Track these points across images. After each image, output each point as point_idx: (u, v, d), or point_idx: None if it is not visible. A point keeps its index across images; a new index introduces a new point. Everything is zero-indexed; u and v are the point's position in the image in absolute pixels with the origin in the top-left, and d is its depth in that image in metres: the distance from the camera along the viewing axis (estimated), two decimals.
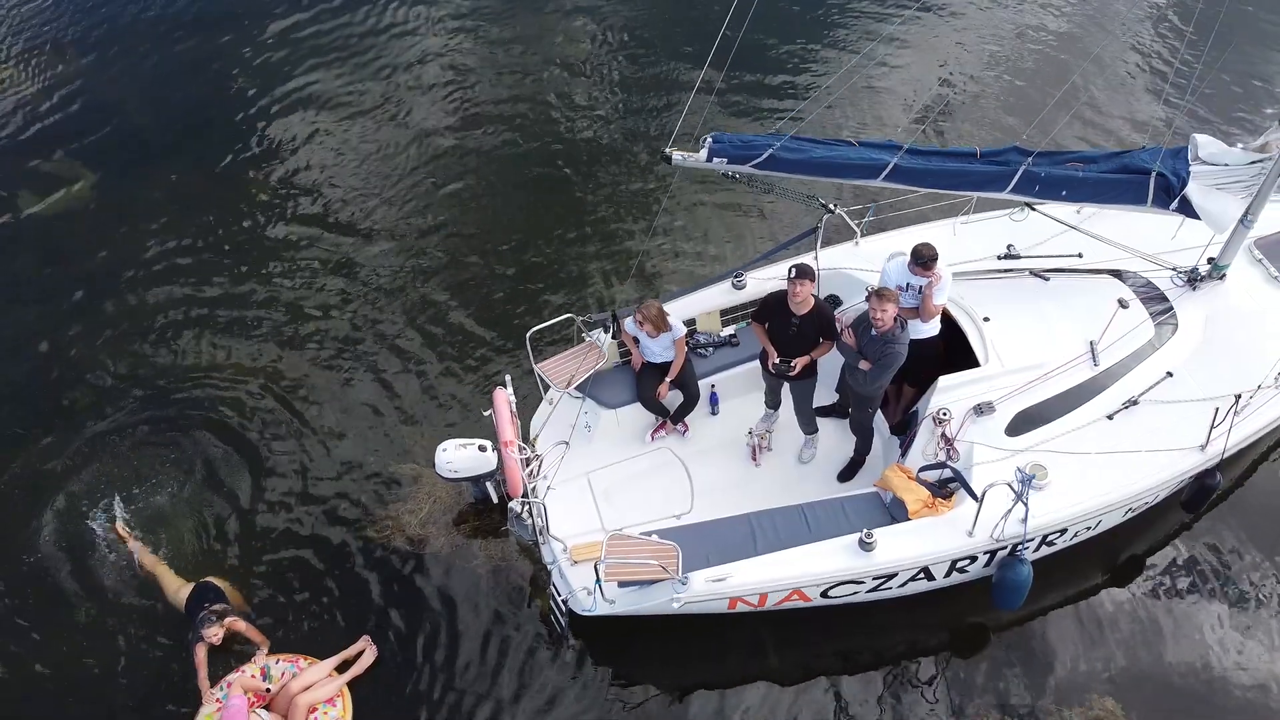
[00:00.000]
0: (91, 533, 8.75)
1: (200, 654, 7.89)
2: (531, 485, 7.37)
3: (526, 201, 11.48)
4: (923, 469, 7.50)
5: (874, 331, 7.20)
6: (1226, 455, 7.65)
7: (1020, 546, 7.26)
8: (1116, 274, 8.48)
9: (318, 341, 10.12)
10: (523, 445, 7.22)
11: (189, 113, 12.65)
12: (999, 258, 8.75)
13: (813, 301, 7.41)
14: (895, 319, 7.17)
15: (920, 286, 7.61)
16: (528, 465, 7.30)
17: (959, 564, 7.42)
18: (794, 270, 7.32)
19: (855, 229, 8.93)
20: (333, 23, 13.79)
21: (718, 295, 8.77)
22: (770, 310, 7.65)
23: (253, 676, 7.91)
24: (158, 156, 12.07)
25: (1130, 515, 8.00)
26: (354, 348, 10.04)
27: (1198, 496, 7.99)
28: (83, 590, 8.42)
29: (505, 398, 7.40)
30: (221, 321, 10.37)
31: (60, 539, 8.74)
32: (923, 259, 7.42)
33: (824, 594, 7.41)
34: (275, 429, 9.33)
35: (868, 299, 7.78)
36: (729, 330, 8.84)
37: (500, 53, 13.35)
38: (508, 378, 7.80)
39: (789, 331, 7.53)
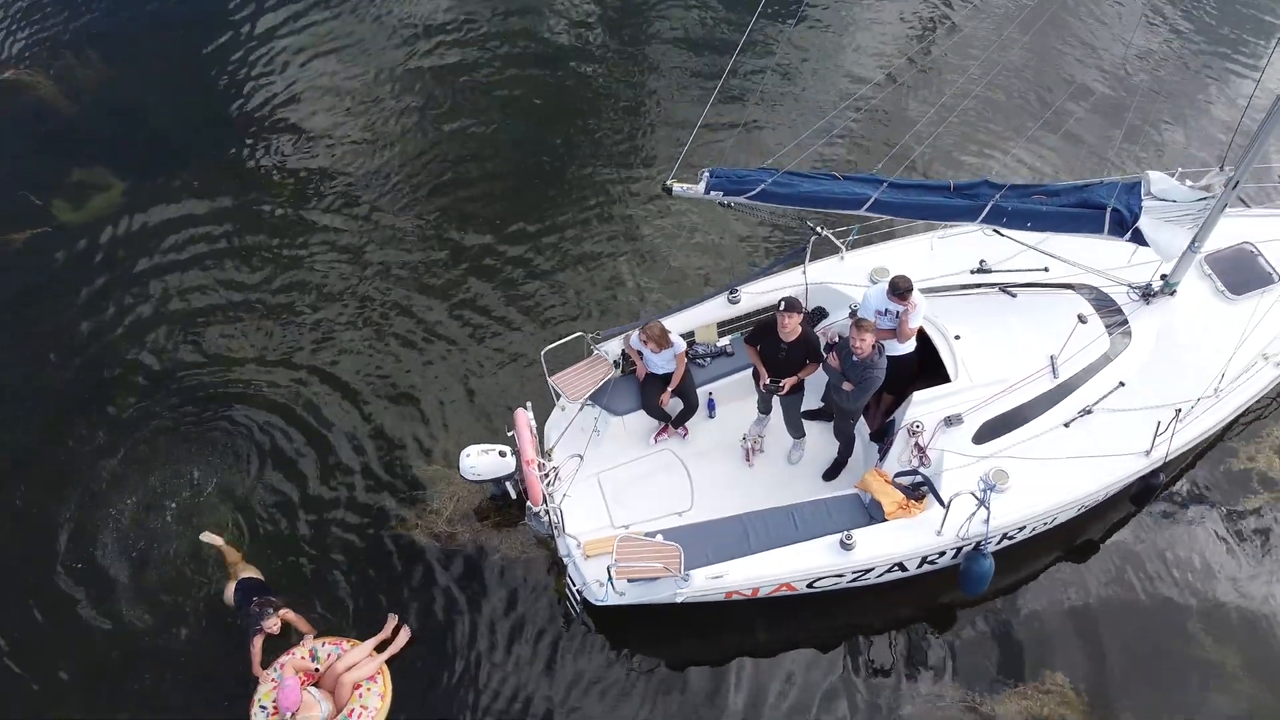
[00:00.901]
0: (144, 527, 9.67)
1: (257, 642, 8.79)
2: (549, 493, 8.30)
3: (544, 211, 12.12)
4: (898, 474, 8.40)
5: (855, 357, 8.04)
6: (1168, 459, 8.60)
7: (983, 543, 8.22)
8: (1077, 288, 9.30)
9: (345, 350, 10.90)
10: (542, 462, 8.12)
11: (205, 112, 13.20)
12: (972, 272, 9.54)
13: (800, 330, 8.23)
14: (874, 346, 8.00)
15: (897, 312, 8.43)
16: (546, 478, 8.22)
17: (929, 558, 8.39)
18: (783, 304, 8.14)
19: (840, 246, 9.71)
20: (344, 17, 14.31)
21: (714, 309, 9.57)
22: (761, 335, 8.48)
23: (302, 658, 8.87)
24: (180, 157, 12.65)
25: (1083, 511, 8.95)
26: (380, 357, 10.83)
27: (1143, 494, 8.96)
28: (138, 582, 9.37)
29: (526, 420, 8.28)
30: (252, 323, 11.13)
31: (111, 530, 9.64)
32: (899, 290, 8.24)
33: (809, 585, 8.38)
34: (308, 433, 10.19)
35: (850, 315, 8.67)
36: (724, 341, 9.66)
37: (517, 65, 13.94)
38: (529, 403, 8.66)
39: (778, 355, 8.38)
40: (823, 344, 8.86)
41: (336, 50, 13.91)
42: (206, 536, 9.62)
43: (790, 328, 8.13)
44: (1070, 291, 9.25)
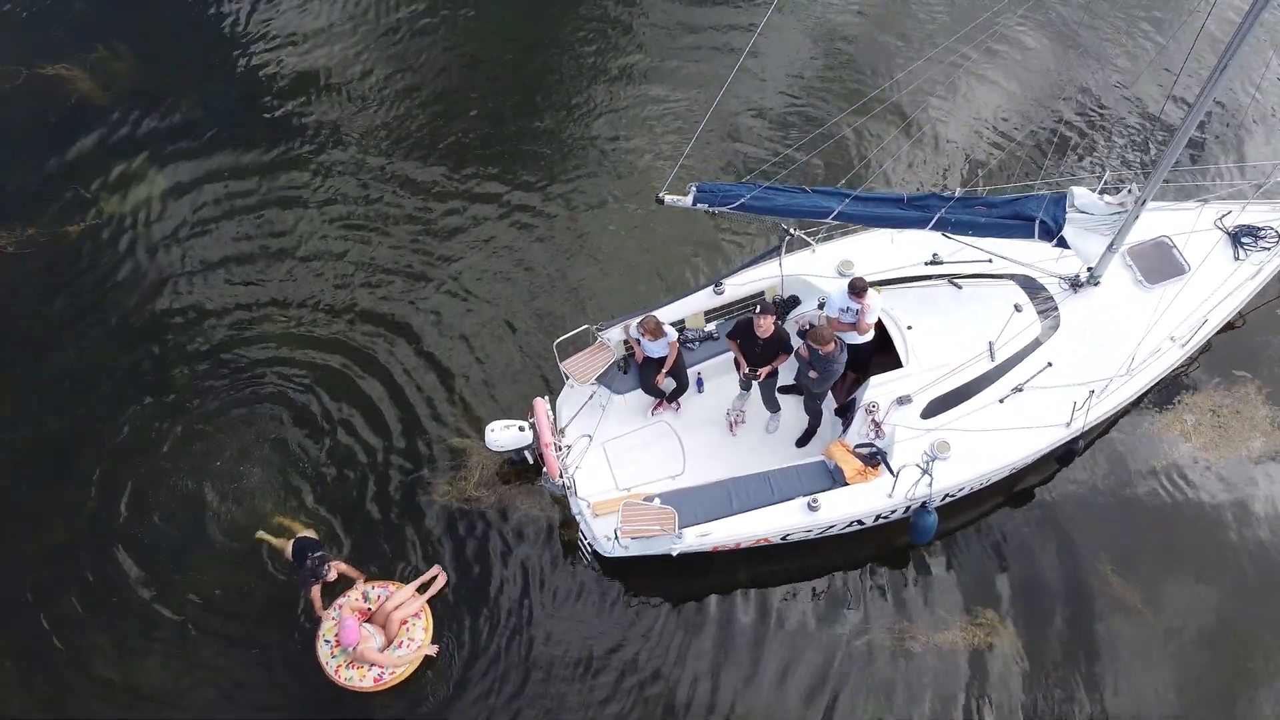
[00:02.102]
0: (212, 492, 11.18)
1: (316, 590, 10.42)
2: (564, 466, 9.84)
3: (565, 211, 13.34)
4: (858, 445, 9.94)
5: (820, 351, 9.47)
6: (1086, 429, 10.14)
7: (927, 502, 9.80)
8: (1016, 279, 10.69)
9: (379, 334, 12.29)
10: (558, 443, 9.63)
11: (232, 101, 14.32)
12: (926, 263, 10.92)
13: (773, 329, 9.67)
14: (835, 345, 9.44)
15: (856, 309, 9.85)
16: (561, 454, 9.74)
17: (882, 515, 9.99)
18: (758, 307, 9.57)
19: (810, 242, 11.05)
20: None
21: (702, 299, 10.98)
22: (741, 331, 9.94)
23: (357, 600, 10.49)
24: (210, 143, 13.85)
25: (1014, 472, 10.52)
26: (411, 341, 12.20)
27: (1066, 456, 10.60)
28: (208, 543, 10.95)
29: (544, 408, 9.79)
30: (295, 303, 12.50)
31: (180, 495, 11.19)
32: (857, 289, 9.69)
33: (783, 538, 9.99)
34: (352, 409, 11.67)
35: (819, 306, 10.12)
36: (711, 326, 11.09)
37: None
38: (544, 396, 10.21)
39: (755, 349, 9.86)
40: (796, 329, 10.33)
41: (357, 31, 14.95)
42: (261, 535, 11.09)
43: (765, 327, 9.60)
44: (1009, 282, 10.66)
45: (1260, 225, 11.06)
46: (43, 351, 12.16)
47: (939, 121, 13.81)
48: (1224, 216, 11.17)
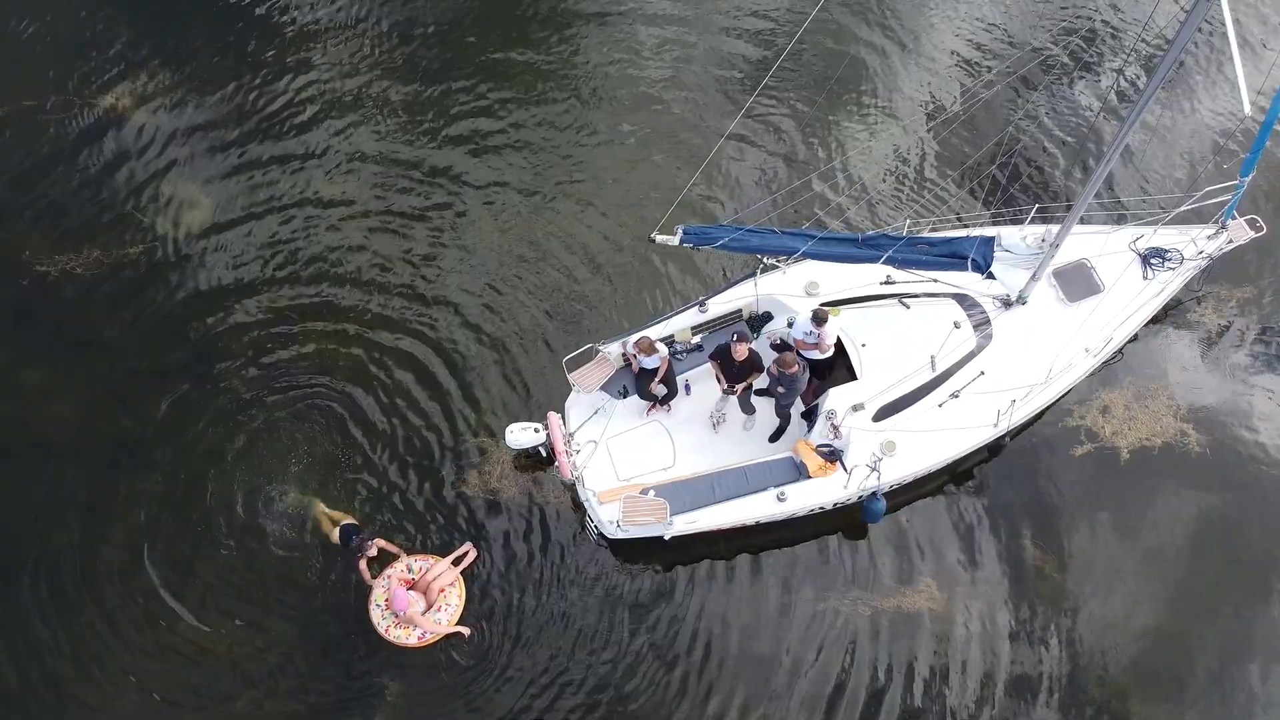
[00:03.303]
0: (267, 493, 13.13)
1: (363, 564, 12.48)
2: (574, 465, 11.77)
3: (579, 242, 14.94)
4: (819, 445, 11.86)
5: (786, 373, 11.34)
6: (1011, 429, 12.08)
7: (877, 492, 11.77)
8: (958, 298, 12.48)
9: (405, 354, 14.05)
10: (569, 451, 11.54)
11: (270, 120, 15.88)
12: (881, 284, 12.70)
13: (747, 353, 11.56)
14: (798, 367, 11.29)
15: (818, 334, 11.69)
16: (571, 459, 11.66)
17: (839, 504, 11.96)
18: (735, 335, 11.43)
19: (781, 265, 12.77)
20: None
21: (689, 317, 12.81)
22: (721, 354, 11.85)
23: (403, 571, 12.50)
24: (250, 167, 15.44)
25: (950, 464, 12.48)
26: (436, 353, 14.01)
27: (996, 448, 12.57)
28: (269, 529, 12.92)
29: (557, 421, 11.67)
30: (336, 316, 14.26)
31: (240, 487, 13.13)
32: (819, 319, 11.55)
33: (757, 523, 11.96)
34: (388, 416, 13.53)
35: (789, 325, 11.98)
36: (697, 339, 12.91)
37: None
38: (556, 412, 12.23)
39: (733, 370, 11.77)
40: (769, 341, 12.18)
41: (394, 58, 16.46)
42: (306, 498, 13.10)
43: (741, 352, 11.51)
44: (950, 300, 12.48)
45: (1167, 248, 12.86)
46: (115, 358, 13.97)
47: (892, 162, 15.45)
48: (1137, 240, 12.95)
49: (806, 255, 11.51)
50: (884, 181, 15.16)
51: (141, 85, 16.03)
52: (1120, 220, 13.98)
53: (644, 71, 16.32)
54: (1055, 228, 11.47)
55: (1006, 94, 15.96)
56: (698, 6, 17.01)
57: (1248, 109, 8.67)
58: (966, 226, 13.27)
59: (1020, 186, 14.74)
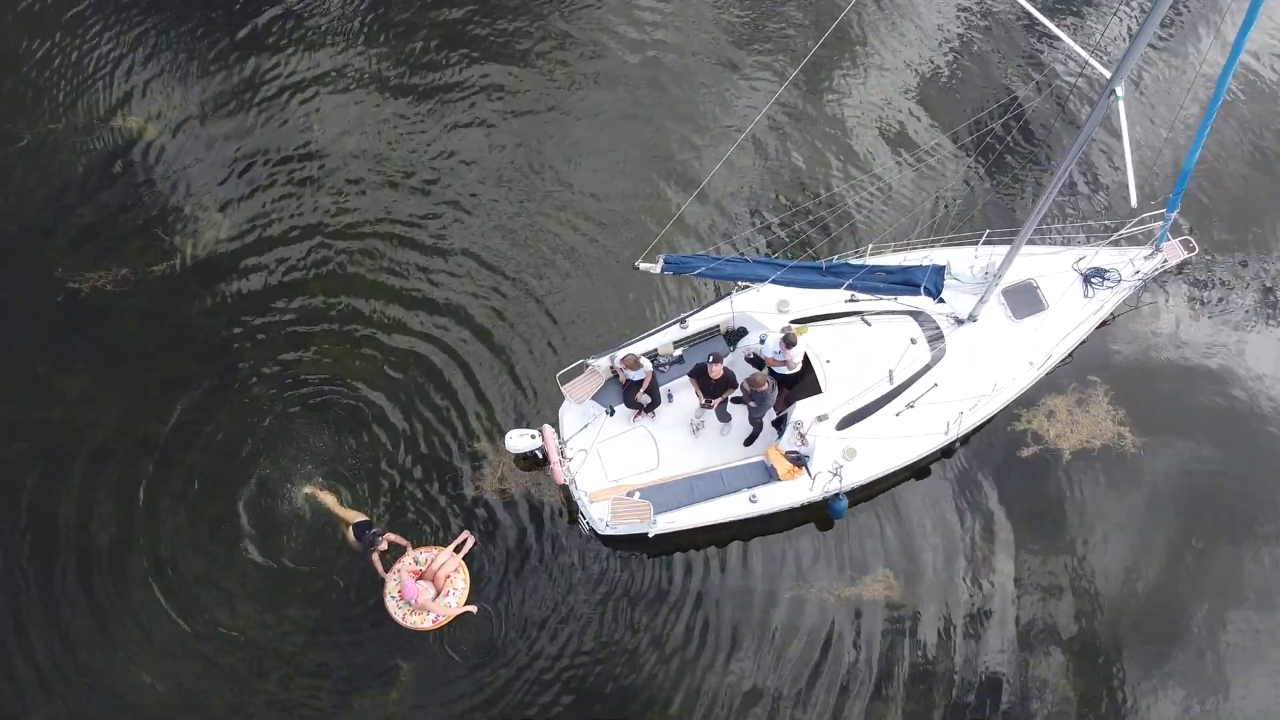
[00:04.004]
0: (285, 491, 14.43)
1: (375, 557, 13.80)
2: (567, 470, 13.07)
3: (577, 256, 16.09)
4: (788, 451, 13.16)
5: (757, 391, 12.62)
6: (961, 435, 13.38)
7: (839, 493, 13.09)
8: (915, 315, 13.71)
9: (413, 359, 15.26)
10: (563, 460, 12.83)
11: (278, 138, 16.94)
12: (845, 301, 13.90)
13: (722, 372, 12.83)
14: (767, 385, 12.55)
15: (786, 354, 12.95)
16: (566, 466, 12.97)
17: (805, 504, 13.28)
18: (711, 357, 12.70)
19: (755, 286, 13.98)
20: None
21: (672, 333, 14.07)
22: (699, 373, 13.13)
23: (410, 564, 13.84)
24: (264, 185, 16.53)
25: (905, 467, 13.80)
26: (442, 367, 15.20)
27: (948, 452, 13.87)
28: (289, 527, 14.24)
29: (552, 434, 12.96)
30: (346, 328, 15.43)
31: (262, 488, 14.42)
32: (789, 342, 12.83)
33: (733, 520, 13.31)
34: (394, 416, 14.78)
35: (761, 341, 13.23)
36: (678, 352, 14.16)
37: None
38: (550, 425, 13.53)
39: (709, 386, 13.05)
40: (744, 355, 13.45)
41: (409, 83, 17.46)
42: (321, 496, 14.40)
43: (716, 372, 12.80)
44: (908, 317, 13.71)
45: (1107, 268, 14.08)
46: (144, 367, 15.17)
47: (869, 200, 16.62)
48: (1080, 260, 14.17)
49: (776, 282, 12.75)
50: (852, 208, 16.35)
51: (156, 107, 17.02)
52: (1066, 242, 15.23)
53: (642, 92, 17.42)
54: (1000, 258, 12.70)
55: (966, 132, 17.08)
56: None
57: (1134, 203, 9.90)
58: (930, 246, 14.54)
59: (976, 212, 16.03)
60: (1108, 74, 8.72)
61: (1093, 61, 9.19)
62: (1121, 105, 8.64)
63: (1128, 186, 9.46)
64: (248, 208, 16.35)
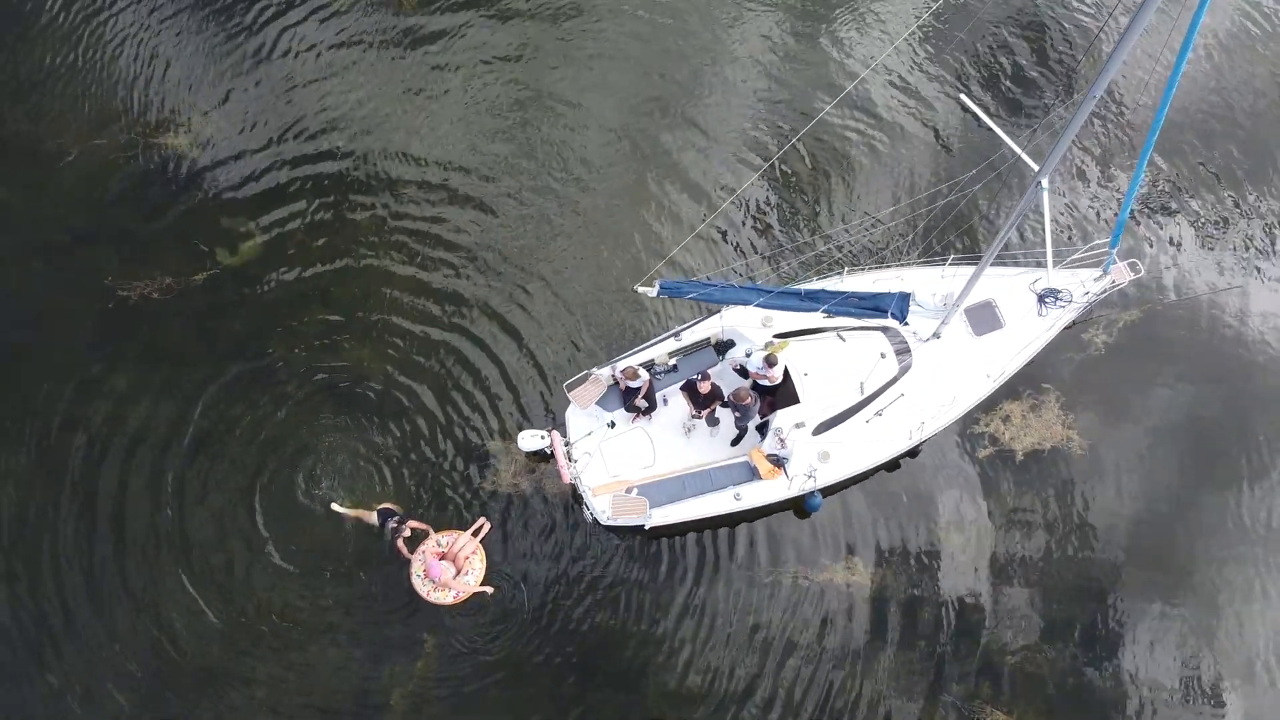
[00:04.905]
0: (320, 480, 16.10)
1: (400, 541, 15.47)
2: (573, 470, 14.70)
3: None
4: (769, 454, 14.76)
5: (741, 404, 14.19)
6: (922, 440, 14.99)
7: (814, 491, 14.72)
8: (885, 331, 15.22)
9: (438, 363, 16.85)
10: (569, 464, 14.44)
11: (309, 150, 18.30)
12: (823, 318, 15.39)
13: (710, 387, 14.37)
14: (750, 399, 14.11)
15: (768, 372, 14.50)
16: (572, 468, 14.59)
17: (783, 501, 14.91)
18: (700, 375, 14.20)
19: None
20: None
21: (668, 344, 15.62)
22: (689, 387, 14.73)
23: (434, 546, 15.51)
24: (295, 195, 17.93)
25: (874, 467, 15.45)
26: (457, 371, 16.83)
27: (913, 454, 15.47)
28: (323, 513, 15.92)
29: (560, 439, 14.51)
30: (374, 331, 17.01)
31: (294, 480, 16.11)
32: (770, 362, 14.40)
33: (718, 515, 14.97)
34: (428, 419, 16.42)
35: (747, 355, 14.79)
36: (673, 362, 15.71)
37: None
38: (557, 431, 15.16)
39: (698, 399, 14.67)
40: (732, 366, 15.02)
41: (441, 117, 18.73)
42: (336, 507, 16.01)
43: (705, 388, 14.41)
44: (880, 334, 15.23)
45: (1060, 289, 15.56)
46: (188, 367, 16.74)
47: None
48: (1035, 281, 15.65)
49: (760, 306, 14.28)
50: (833, 237, 17.87)
51: (191, 121, 18.38)
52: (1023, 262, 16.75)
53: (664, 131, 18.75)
54: (963, 280, 14.21)
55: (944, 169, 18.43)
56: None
57: (1050, 275, 11.27)
58: (902, 265, 16.07)
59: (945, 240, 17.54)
60: (1036, 167, 10.14)
61: (1024, 156, 10.59)
62: (1045, 195, 10.02)
63: (1046, 256, 10.87)
64: (280, 218, 17.78)
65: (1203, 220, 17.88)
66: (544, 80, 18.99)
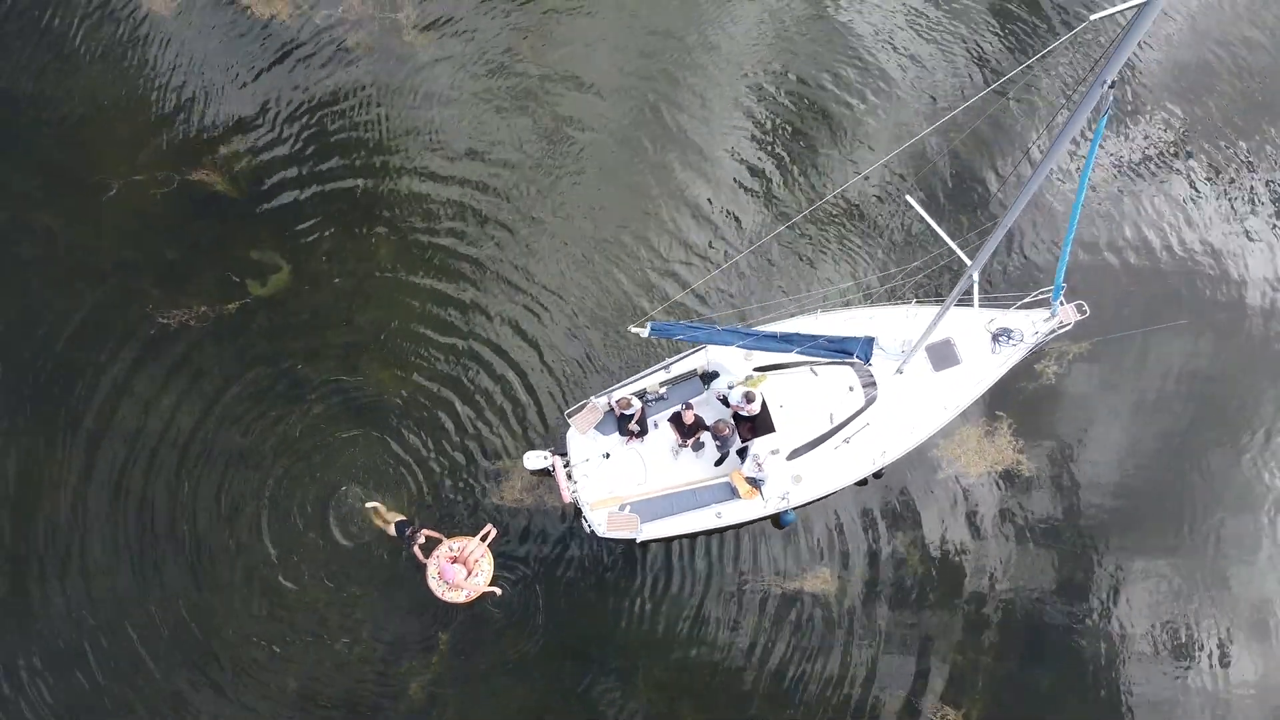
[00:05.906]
0: (345, 492, 17.88)
1: (416, 548, 17.25)
2: (573, 489, 16.47)
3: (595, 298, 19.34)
4: (748, 476, 16.51)
5: (720, 435, 15.92)
6: (885, 464, 16.76)
7: (787, 509, 16.49)
8: (854, 366, 16.91)
9: (452, 385, 18.64)
10: (571, 486, 16.22)
11: (332, 188, 19.88)
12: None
13: (694, 419, 16.10)
14: (728, 430, 15.83)
15: (747, 406, 16.18)
16: (572, 489, 16.37)
17: (761, 517, 16.70)
18: (684, 405, 15.88)
19: None
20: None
21: (659, 375, 17.30)
22: (675, 419, 16.44)
23: (447, 552, 17.31)
24: (320, 227, 19.52)
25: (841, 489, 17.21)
26: (472, 395, 18.61)
27: (877, 475, 17.23)
28: (348, 521, 17.74)
29: (561, 465, 16.24)
30: (397, 356, 18.74)
31: (325, 493, 17.91)
32: (749, 399, 16.04)
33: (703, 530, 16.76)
34: (439, 438, 18.19)
35: (729, 387, 16.51)
36: (663, 390, 17.41)
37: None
38: (560, 459, 16.89)
39: (684, 429, 16.37)
40: (716, 397, 16.75)
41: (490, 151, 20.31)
42: (370, 505, 17.83)
43: (689, 418, 16.15)
44: (849, 369, 16.93)
45: (1013, 328, 17.23)
46: (224, 387, 18.51)
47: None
48: (991, 321, 17.30)
49: (740, 346, 16.00)
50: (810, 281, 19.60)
51: (225, 157, 19.97)
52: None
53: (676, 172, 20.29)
54: (926, 319, 15.88)
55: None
56: None
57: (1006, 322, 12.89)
58: (871, 305, 17.77)
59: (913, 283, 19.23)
60: (969, 261, 11.73)
61: (958, 251, 12.16)
62: (976, 286, 11.63)
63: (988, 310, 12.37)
64: (306, 251, 19.42)
65: (1142, 258, 19.60)
66: (561, 106, 20.58)
